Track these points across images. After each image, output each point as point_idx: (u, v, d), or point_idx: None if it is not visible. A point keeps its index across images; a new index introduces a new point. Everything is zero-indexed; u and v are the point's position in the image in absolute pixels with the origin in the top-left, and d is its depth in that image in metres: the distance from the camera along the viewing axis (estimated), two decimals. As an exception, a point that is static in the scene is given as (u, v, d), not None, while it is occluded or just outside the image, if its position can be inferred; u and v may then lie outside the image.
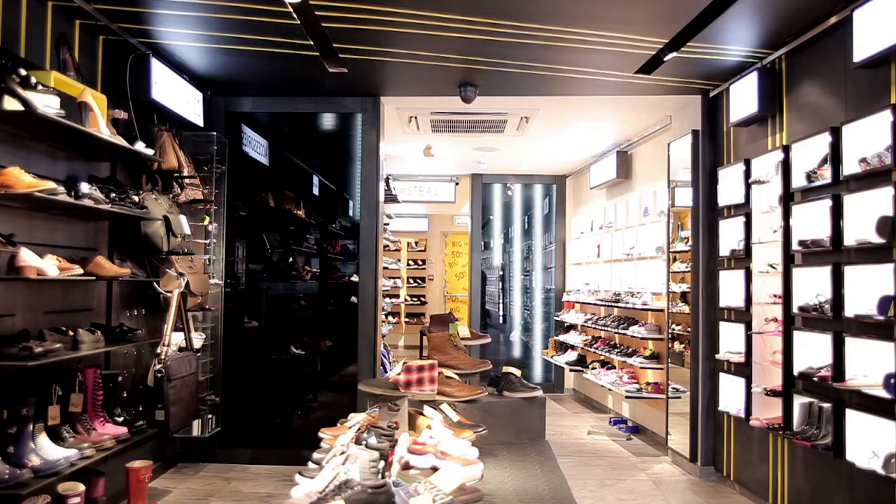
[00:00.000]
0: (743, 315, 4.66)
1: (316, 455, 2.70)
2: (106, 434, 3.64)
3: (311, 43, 4.24)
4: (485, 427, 3.28)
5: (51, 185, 3.10)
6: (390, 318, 10.24)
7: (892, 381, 3.11)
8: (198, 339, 4.81)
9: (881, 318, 3.20)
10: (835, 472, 3.72)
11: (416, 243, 14.39)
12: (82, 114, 3.45)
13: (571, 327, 8.44)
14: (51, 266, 3.21)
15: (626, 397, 6.52)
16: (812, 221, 3.88)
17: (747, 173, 4.60)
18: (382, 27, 4.05)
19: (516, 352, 9.09)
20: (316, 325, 7.18)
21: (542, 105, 5.71)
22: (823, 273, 3.70)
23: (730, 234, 4.86)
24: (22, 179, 3.00)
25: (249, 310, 5.87)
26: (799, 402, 3.99)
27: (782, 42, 4.21)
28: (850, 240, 3.52)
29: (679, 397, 5.60)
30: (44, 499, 3.24)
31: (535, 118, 6.11)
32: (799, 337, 3.98)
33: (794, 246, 4.01)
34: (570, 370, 8.16)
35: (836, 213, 3.61)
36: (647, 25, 3.94)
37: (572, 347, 8.16)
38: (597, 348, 7.29)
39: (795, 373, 3.97)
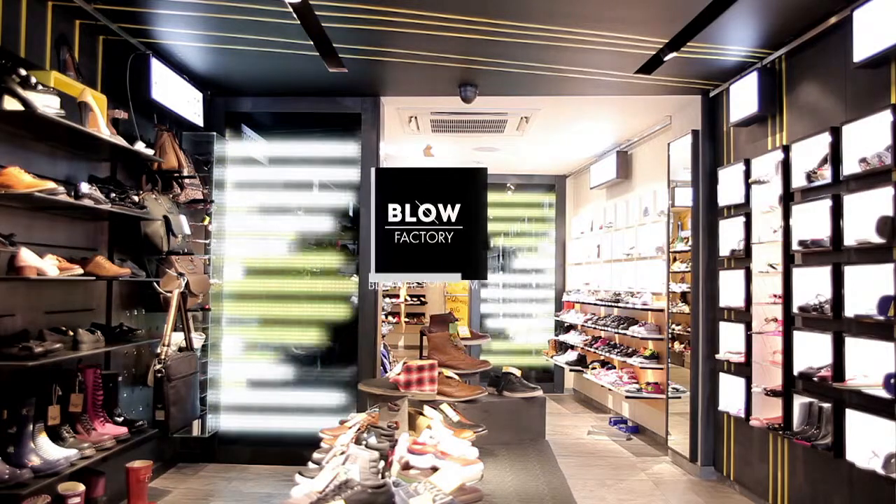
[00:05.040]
0: (743, 315, 4.66)
1: (316, 455, 2.70)
2: (106, 434, 3.64)
3: (311, 43, 4.24)
4: (485, 427, 3.28)
5: (51, 185, 3.10)
6: (390, 318, 10.24)
7: (892, 381, 3.11)
8: (198, 339, 4.82)
9: (881, 318, 3.20)
10: (835, 472, 3.72)
11: (417, 243, 14.34)
12: (82, 114, 3.45)
13: (571, 327, 8.44)
14: (51, 266, 3.21)
15: (626, 397, 6.52)
16: (812, 221, 3.88)
17: (747, 173, 4.60)
18: (382, 27, 4.05)
19: (516, 352, 9.13)
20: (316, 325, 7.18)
21: (542, 105, 5.72)
22: (823, 273, 3.70)
23: (730, 234, 4.86)
24: (22, 179, 3.00)
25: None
26: (799, 402, 3.99)
27: (782, 42, 4.21)
28: (850, 240, 3.52)
29: (679, 397, 5.60)
30: (44, 499, 3.24)
31: (535, 118, 6.11)
32: (799, 337, 3.98)
33: (794, 246, 4.01)
34: (570, 370, 8.16)
35: (836, 213, 3.61)
36: (647, 25, 3.94)
37: (572, 347, 8.16)
38: (597, 348, 7.29)
39: (795, 373, 3.97)
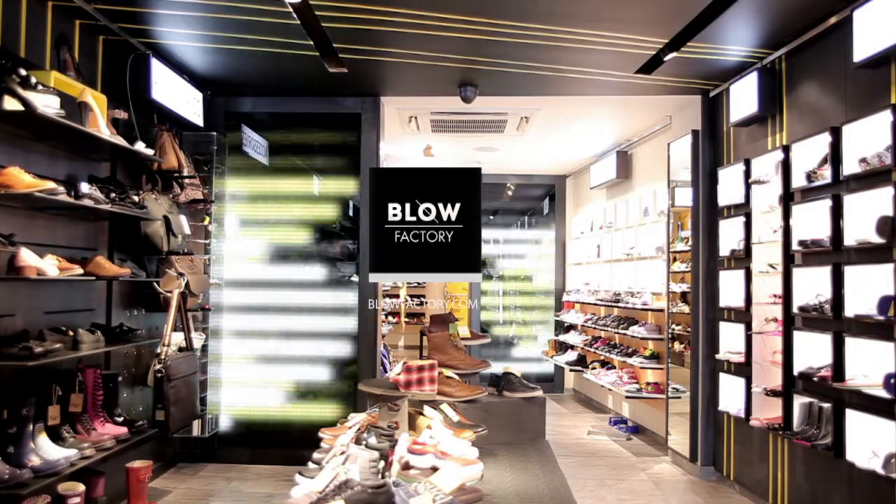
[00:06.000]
0: (743, 315, 4.66)
1: (316, 455, 2.70)
2: (106, 434, 3.64)
3: (311, 43, 4.24)
4: (485, 427, 3.28)
5: (51, 185, 3.10)
6: (390, 318, 10.24)
7: (892, 381, 3.11)
8: (198, 339, 4.81)
9: (881, 318, 3.20)
10: (835, 472, 3.72)
11: (416, 243, 14.31)
12: (82, 114, 3.45)
13: (571, 327, 8.44)
14: (51, 266, 3.21)
15: (626, 397, 6.52)
16: (812, 221, 3.88)
17: (747, 173, 4.60)
18: (382, 27, 4.05)
19: (516, 352, 9.15)
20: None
21: (542, 105, 5.71)
22: (823, 273, 3.70)
23: (730, 234, 4.86)
24: (22, 179, 3.00)
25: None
26: (799, 402, 3.99)
27: (782, 42, 4.21)
28: (850, 240, 3.52)
29: (679, 397, 5.60)
30: (44, 499, 3.24)
31: (535, 118, 6.10)
32: (799, 337, 3.98)
33: (794, 246, 4.01)
34: (570, 370, 8.16)
35: (836, 213, 3.61)
36: (647, 25, 3.94)
37: (572, 347, 8.16)
38: (597, 348, 7.29)
39: (795, 373, 3.97)
